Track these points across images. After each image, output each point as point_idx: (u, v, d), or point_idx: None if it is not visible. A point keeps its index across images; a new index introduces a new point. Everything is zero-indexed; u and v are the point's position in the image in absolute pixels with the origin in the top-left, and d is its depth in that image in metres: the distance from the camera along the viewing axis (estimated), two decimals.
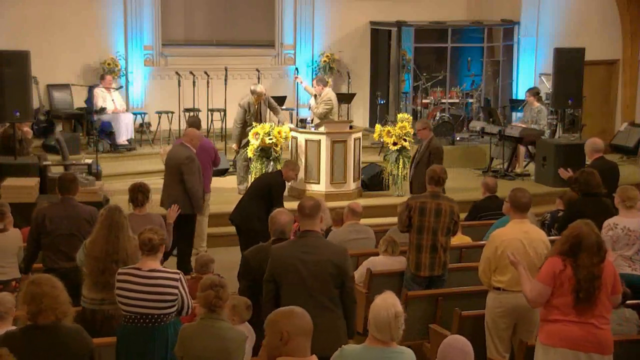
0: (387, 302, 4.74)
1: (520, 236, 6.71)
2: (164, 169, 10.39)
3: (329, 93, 13.69)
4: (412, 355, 4.87)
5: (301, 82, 14.60)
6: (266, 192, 10.08)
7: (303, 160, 12.67)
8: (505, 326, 6.75)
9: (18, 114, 11.42)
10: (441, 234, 7.82)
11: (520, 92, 16.86)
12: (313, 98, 13.98)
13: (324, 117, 13.43)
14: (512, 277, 6.65)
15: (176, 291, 5.89)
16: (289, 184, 12.86)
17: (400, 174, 12.87)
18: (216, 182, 13.56)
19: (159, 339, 5.80)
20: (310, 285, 5.83)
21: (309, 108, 14.06)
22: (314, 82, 14.03)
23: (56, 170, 11.71)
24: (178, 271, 6.08)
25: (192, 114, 14.94)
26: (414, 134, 12.50)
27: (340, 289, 5.90)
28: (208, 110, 15.50)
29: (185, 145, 10.12)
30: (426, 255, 7.81)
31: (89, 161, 12.37)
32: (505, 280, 6.70)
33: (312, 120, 13.54)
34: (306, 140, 12.68)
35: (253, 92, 12.98)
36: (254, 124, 12.82)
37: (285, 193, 12.31)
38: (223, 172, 14.10)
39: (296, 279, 5.86)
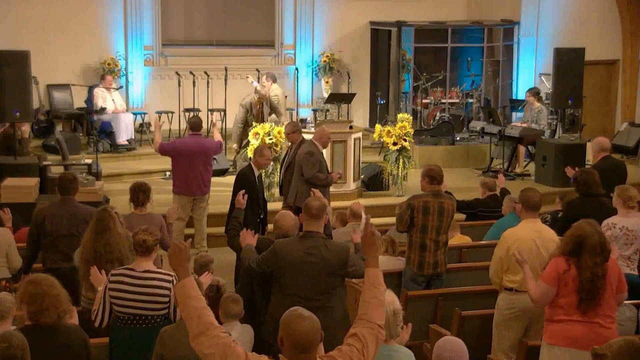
0: (386, 300, 4.75)
1: (533, 236, 6.68)
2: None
3: (274, 90, 13.89)
4: (411, 355, 4.88)
5: (252, 82, 14.51)
6: (239, 188, 9.73)
7: None
8: (516, 327, 6.68)
9: (18, 114, 11.43)
10: (443, 233, 7.83)
11: (520, 92, 16.85)
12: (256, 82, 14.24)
13: (274, 110, 13.52)
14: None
15: (169, 292, 5.79)
16: None
17: (400, 174, 12.86)
18: (216, 182, 13.60)
19: (151, 340, 5.63)
20: (306, 285, 5.84)
21: (255, 91, 14.05)
22: (264, 77, 14.16)
23: (56, 170, 11.69)
24: (172, 273, 6.03)
25: (192, 114, 14.94)
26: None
27: (343, 276, 6.01)
28: (208, 110, 15.48)
29: (313, 142, 10.36)
30: (430, 254, 7.78)
31: (89, 161, 12.36)
32: (518, 280, 6.62)
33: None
34: None
35: (256, 92, 12.98)
36: (254, 124, 12.83)
37: None
38: (223, 172, 14.10)
39: (295, 278, 5.86)
